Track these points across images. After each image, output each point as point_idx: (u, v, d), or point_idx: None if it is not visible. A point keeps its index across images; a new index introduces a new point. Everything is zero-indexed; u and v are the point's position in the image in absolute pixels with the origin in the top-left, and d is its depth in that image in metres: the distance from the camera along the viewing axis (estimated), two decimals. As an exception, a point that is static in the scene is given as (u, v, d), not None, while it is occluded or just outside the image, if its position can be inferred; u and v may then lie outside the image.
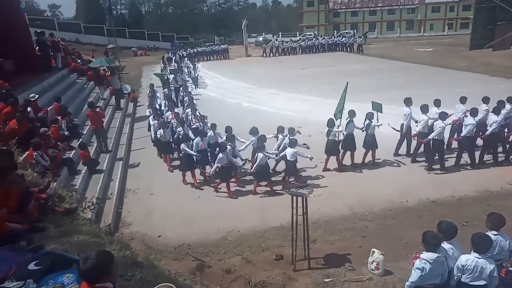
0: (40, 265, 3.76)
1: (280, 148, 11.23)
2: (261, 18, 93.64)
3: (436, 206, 9.37)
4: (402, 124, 12.11)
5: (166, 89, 20.04)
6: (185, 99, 17.54)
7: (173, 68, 26.72)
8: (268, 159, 10.69)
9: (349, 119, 11.47)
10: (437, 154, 11.32)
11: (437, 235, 4.92)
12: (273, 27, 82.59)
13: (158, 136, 12.50)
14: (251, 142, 11.18)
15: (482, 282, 4.75)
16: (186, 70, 29.86)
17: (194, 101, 17.09)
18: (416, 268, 4.84)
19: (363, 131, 11.69)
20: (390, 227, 8.51)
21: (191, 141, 11.45)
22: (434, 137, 10.80)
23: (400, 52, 41.11)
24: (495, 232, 5.11)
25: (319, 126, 11.69)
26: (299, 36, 61.74)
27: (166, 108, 15.65)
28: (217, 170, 10.54)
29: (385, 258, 6.77)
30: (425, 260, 4.79)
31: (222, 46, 49.91)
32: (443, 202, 9.54)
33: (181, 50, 45.08)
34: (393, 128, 11.98)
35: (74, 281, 3.51)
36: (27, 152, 8.91)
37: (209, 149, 11.57)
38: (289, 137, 10.96)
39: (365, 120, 11.62)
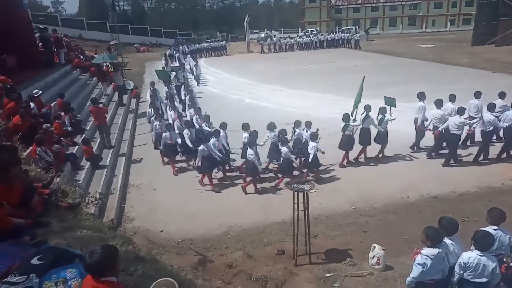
0: (43, 259, 3.76)
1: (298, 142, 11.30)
2: (263, 14, 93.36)
3: (437, 201, 9.40)
4: (416, 119, 12.18)
5: (166, 87, 19.39)
6: (186, 97, 17.12)
7: (175, 65, 26.30)
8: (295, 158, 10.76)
9: (365, 113, 11.54)
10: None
11: (439, 230, 4.94)
12: (275, 23, 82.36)
13: (166, 139, 11.87)
14: (271, 137, 11.19)
15: (484, 279, 4.76)
16: (188, 67, 29.44)
17: (196, 100, 16.68)
18: (417, 263, 4.86)
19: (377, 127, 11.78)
20: (391, 222, 8.55)
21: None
22: (454, 132, 10.86)
23: (402, 48, 40.97)
24: (495, 227, 5.12)
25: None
26: (301, 32, 61.31)
27: (168, 107, 15.17)
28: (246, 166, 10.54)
29: (386, 253, 6.82)
30: (426, 255, 4.81)
31: (220, 42, 49.77)
32: (444, 198, 9.57)
33: (183, 46, 44.92)
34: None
35: (76, 276, 3.53)
36: (30, 148, 8.97)
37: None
38: (306, 130, 11.09)
39: (378, 114, 11.68)
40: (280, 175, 10.92)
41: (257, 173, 10.52)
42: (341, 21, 75.41)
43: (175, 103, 16.55)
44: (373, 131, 11.88)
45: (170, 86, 20.22)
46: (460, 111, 10.92)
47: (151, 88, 17.75)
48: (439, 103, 11.60)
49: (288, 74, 29.24)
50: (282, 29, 70.35)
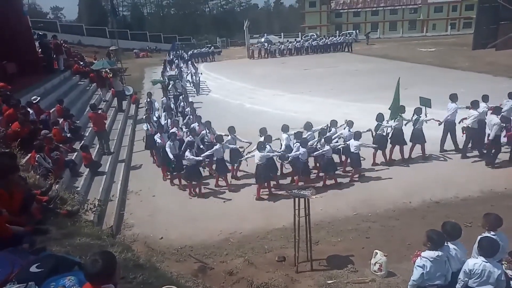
0: (42, 267, 3.73)
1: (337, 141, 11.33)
2: (263, 19, 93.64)
3: (439, 207, 9.35)
4: (447, 119, 12.13)
5: (164, 98, 18.09)
6: (186, 110, 15.38)
7: (172, 74, 25.08)
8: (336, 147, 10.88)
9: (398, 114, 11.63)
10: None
11: (441, 233, 4.92)
12: (275, 28, 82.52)
13: (187, 159, 10.41)
14: (308, 137, 11.14)
15: (490, 287, 4.69)
16: (189, 74, 27.93)
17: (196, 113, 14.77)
18: (417, 266, 4.87)
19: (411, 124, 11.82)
20: (393, 228, 8.49)
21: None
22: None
23: (402, 52, 40.96)
24: (493, 233, 5.07)
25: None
26: (301, 37, 61.39)
27: (167, 121, 13.63)
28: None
29: (388, 259, 6.76)
30: (425, 258, 4.81)
31: (208, 49, 50.03)
32: (447, 203, 9.52)
33: (181, 51, 44.82)
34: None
35: (75, 284, 3.49)
36: (29, 155, 8.92)
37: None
38: (349, 129, 11.18)
39: (413, 115, 11.73)
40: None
41: (309, 172, 10.61)
42: (341, 25, 75.50)
43: (174, 116, 15.34)
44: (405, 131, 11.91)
45: (168, 96, 19.18)
46: (497, 110, 10.87)
47: (147, 100, 16.63)
48: (475, 104, 11.53)
49: (288, 78, 29.25)
50: (282, 34, 70.48)
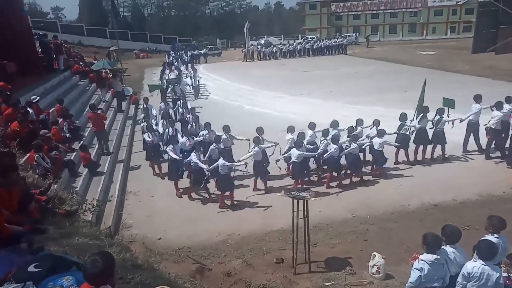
0: (40, 267, 3.74)
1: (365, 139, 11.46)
2: (263, 21, 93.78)
3: (438, 209, 9.36)
4: (470, 120, 12.21)
5: (162, 103, 16.63)
6: (187, 117, 14.31)
7: (172, 77, 23.71)
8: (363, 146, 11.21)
9: (422, 114, 11.77)
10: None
11: (438, 236, 4.90)
12: (276, 30, 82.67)
13: (222, 170, 9.78)
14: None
15: None
16: (189, 79, 26.74)
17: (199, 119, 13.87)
18: (415, 268, 4.86)
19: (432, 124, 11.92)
20: (391, 230, 8.49)
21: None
22: None
23: (402, 55, 41.01)
24: (496, 236, 5.07)
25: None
26: (301, 39, 61.53)
27: (167, 129, 12.67)
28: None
29: (386, 262, 6.75)
30: (423, 261, 4.80)
31: (201, 51, 50.52)
32: (445, 206, 9.52)
33: (181, 52, 44.74)
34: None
35: (73, 284, 3.49)
36: (28, 154, 8.91)
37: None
38: (376, 128, 11.29)
39: (436, 115, 11.83)
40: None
41: (340, 168, 10.75)
42: (341, 28, 75.69)
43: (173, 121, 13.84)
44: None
45: (166, 101, 17.48)
46: None
47: (143, 106, 15.36)
48: (499, 105, 11.58)
49: (288, 80, 29.28)
50: (282, 36, 70.62)
